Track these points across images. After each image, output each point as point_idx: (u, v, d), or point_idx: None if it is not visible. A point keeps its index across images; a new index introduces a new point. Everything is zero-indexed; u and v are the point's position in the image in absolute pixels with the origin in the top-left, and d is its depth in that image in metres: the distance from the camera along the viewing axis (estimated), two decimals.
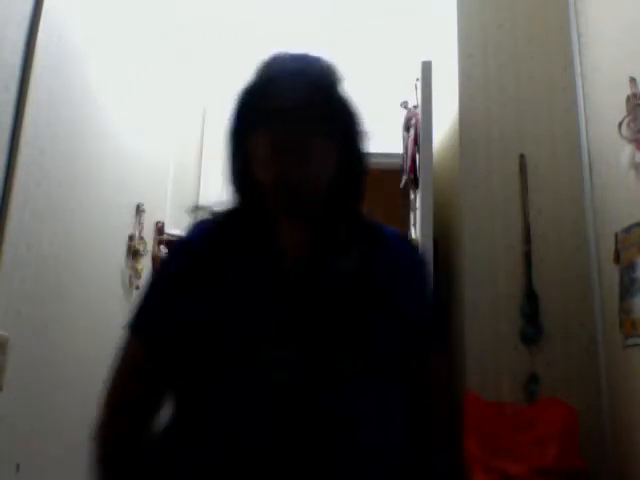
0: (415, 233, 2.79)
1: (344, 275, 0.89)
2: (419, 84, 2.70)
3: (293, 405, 0.81)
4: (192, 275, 0.91)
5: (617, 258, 2.25)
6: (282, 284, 0.89)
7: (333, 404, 0.82)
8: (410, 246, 1.03)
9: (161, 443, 0.90)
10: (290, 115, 0.88)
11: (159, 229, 3.03)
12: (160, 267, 0.99)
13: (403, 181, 2.99)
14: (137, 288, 2.64)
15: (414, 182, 2.81)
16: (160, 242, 3.02)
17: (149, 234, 2.85)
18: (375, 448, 0.84)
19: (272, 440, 0.81)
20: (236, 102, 0.96)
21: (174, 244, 1.00)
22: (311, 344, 0.84)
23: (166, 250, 3.00)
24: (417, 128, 2.74)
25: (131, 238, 2.58)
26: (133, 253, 2.59)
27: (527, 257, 2.54)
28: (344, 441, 0.81)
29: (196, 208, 1.00)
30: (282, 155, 0.87)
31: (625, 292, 2.18)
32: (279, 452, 0.80)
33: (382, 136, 3.49)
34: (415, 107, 2.86)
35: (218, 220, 0.97)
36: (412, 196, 2.95)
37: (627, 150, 2.13)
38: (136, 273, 2.62)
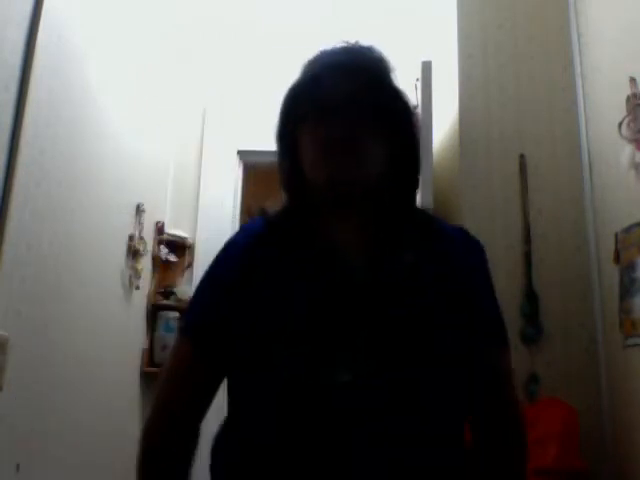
0: None
1: (400, 271, 0.86)
2: (419, 84, 2.70)
3: (304, 406, 0.79)
4: (243, 276, 0.88)
5: (617, 258, 2.25)
6: (338, 283, 0.85)
7: (351, 399, 0.79)
8: (473, 240, 0.97)
9: (214, 450, 0.89)
10: (342, 111, 0.85)
11: (159, 229, 3.03)
12: (211, 268, 0.95)
13: None
14: (137, 288, 2.64)
15: None
16: (160, 242, 3.02)
17: (149, 234, 2.86)
18: (392, 447, 0.79)
19: (290, 440, 0.80)
20: (285, 100, 0.93)
21: (225, 244, 0.95)
22: (371, 343, 0.82)
23: (166, 251, 3.01)
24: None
25: (131, 238, 2.58)
26: (133, 253, 2.59)
27: (527, 257, 2.54)
28: (353, 435, 0.78)
29: (258, 211, 0.97)
30: (335, 153, 0.84)
31: (625, 292, 2.17)
32: (291, 452, 0.79)
33: None
34: (415, 107, 2.86)
35: (270, 220, 0.94)
36: None
37: (627, 150, 2.13)
38: (136, 273, 2.62)
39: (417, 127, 0.94)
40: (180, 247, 3.12)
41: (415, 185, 0.95)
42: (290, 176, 0.93)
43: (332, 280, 0.85)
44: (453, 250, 0.92)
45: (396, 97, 0.92)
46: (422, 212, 0.97)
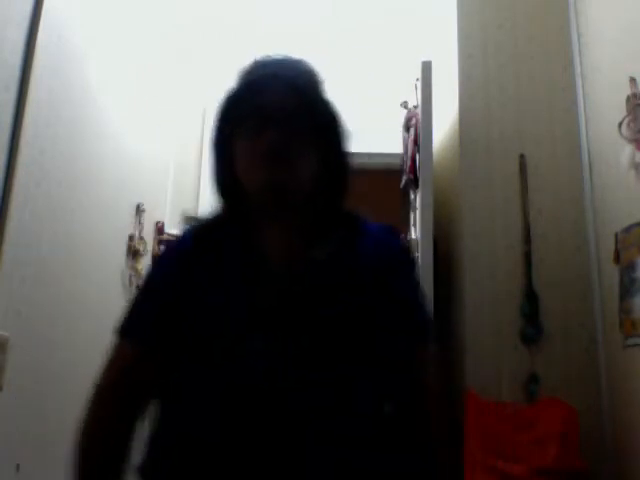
0: (415, 233, 2.79)
1: (322, 265, 0.91)
2: (419, 84, 2.70)
3: (254, 401, 0.83)
4: (178, 279, 0.93)
5: (617, 258, 2.25)
6: (264, 283, 0.90)
7: (292, 399, 0.83)
8: (396, 240, 1.01)
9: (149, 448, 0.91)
10: (277, 121, 0.90)
11: (159, 229, 3.03)
12: (149, 272, 1.02)
13: (403, 181, 2.99)
14: (137, 288, 2.64)
15: (414, 182, 2.81)
16: (160, 242, 3.02)
17: (149, 234, 2.85)
18: (337, 441, 0.83)
19: (231, 436, 0.82)
20: (220, 108, 0.98)
21: (163, 250, 1.03)
22: (289, 338, 0.86)
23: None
24: (417, 128, 2.74)
25: (131, 238, 2.58)
26: (133, 253, 2.59)
27: (527, 257, 2.54)
28: (301, 433, 0.82)
29: (188, 218, 1.02)
30: (268, 161, 0.89)
31: (625, 292, 2.17)
32: (236, 447, 0.81)
33: (382, 136, 3.51)
34: (415, 107, 2.86)
35: (204, 225, 1.00)
36: (412, 196, 2.95)
37: (627, 150, 2.13)
38: (136, 273, 2.62)
39: (347, 137, 0.99)
40: None
41: (344, 190, 1.00)
42: (224, 181, 0.98)
43: (261, 283, 0.90)
44: (376, 250, 0.96)
45: (327, 108, 0.98)
46: (348, 214, 1.01)
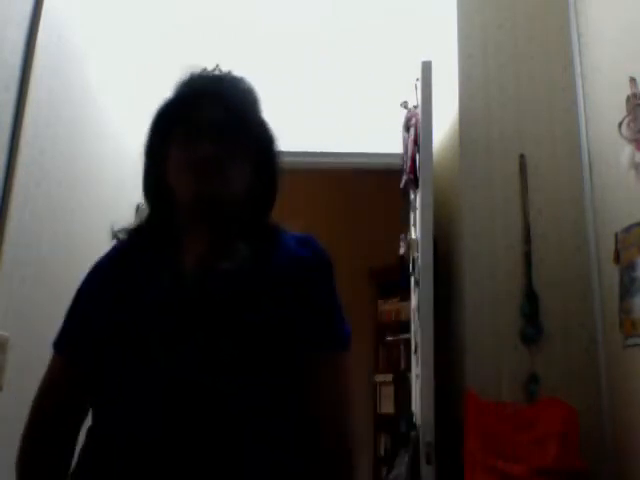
0: (415, 233, 2.79)
1: (229, 274, 0.93)
2: (419, 84, 2.70)
3: (187, 400, 0.85)
4: (102, 289, 0.98)
5: (617, 258, 2.25)
6: (177, 288, 0.93)
7: (223, 399, 0.85)
8: (312, 248, 1.01)
9: (79, 456, 0.93)
10: (209, 135, 0.93)
11: None
12: (79, 286, 1.05)
13: (403, 181, 2.99)
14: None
15: (414, 182, 2.81)
16: None
17: None
18: (264, 440, 0.86)
19: (169, 434, 0.84)
20: (156, 118, 1.01)
21: (94, 262, 1.06)
22: (199, 343, 0.88)
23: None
24: (417, 128, 2.73)
25: None
26: None
27: (527, 257, 2.54)
28: (237, 434, 0.84)
29: (116, 232, 1.08)
30: (201, 172, 0.92)
31: (625, 292, 2.18)
32: (176, 445, 0.83)
33: (382, 136, 3.50)
34: (415, 107, 2.86)
35: (130, 235, 1.05)
36: (412, 196, 2.95)
37: (627, 150, 2.13)
38: None
39: (277, 154, 1.03)
40: None
41: (270, 204, 1.04)
42: (155, 190, 1.02)
43: (171, 286, 0.93)
44: (289, 261, 0.98)
45: (260, 126, 1.02)
46: (268, 227, 1.03)
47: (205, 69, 1.03)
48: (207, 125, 0.94)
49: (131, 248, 1.02)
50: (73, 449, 0.96)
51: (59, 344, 1.01)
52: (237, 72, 1.05)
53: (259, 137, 1.00)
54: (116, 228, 1.08)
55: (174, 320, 0.90)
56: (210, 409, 0.85)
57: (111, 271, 1.00)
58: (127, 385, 0.89)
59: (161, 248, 0.99)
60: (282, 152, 1.04)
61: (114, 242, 1.08)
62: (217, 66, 1.05)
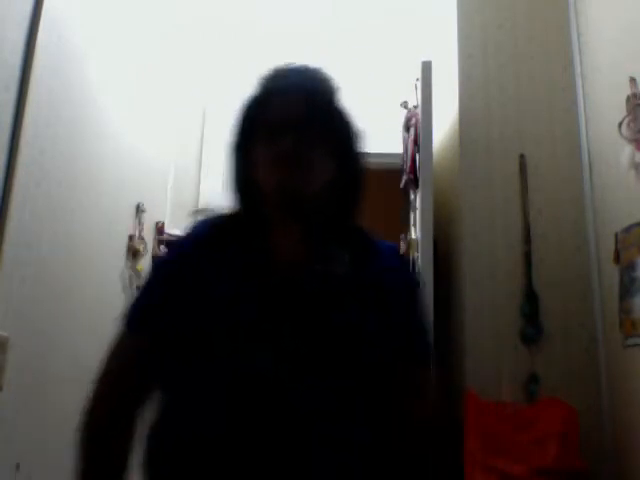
0: (415, 233, 2.79)
1: (325, 276, 0.94)
2: (419, 84, 2.70)
3: (258, 398, 0.85)
4: (185, 275, 0.96)
5: (617, 258, 2.25)
6: (267, 284, 0.93)
7: (297, 399, 0.85)
8: (404, 265, 1.06)
9: (146, 434, 0.93)
10: (291, 128, 0.95)
11: (159, 229, 3.02)
12: (156, 266, 1.05)
13: (403, 181, 2.99)
14: (137, 288, 2.64)
15: (414, 182, 2.81)
16: (160, 242, 3.01)
17: (149, 234, 2.85)
18: (335, 444, 0.86)
19: (234, 431, 0.84)
20: (239, 114, 1.03)
21: (172, 244, 1.04)
22: (283, 342, 0.88)
23: (166, 250, 3.01)
24: (417, 128, 2.74)
25: (131, 238, 2.58)
26: (133, 253, 2.59)
27: (527, 257, 2.54)
28: (306, 435, 0.84)
29: (197, 211, 1.06)
30: (283, 166, 0.94)
31: (625, 292, 2.18)
32: (240, 443, 0.83)
33: (382, 136, 3.51)
34: (415, 107, 2.86)
35: (216, 222, 1.03)
36: (412, 196, 2.95)
37: (627, 150, 2.13)
38: (136, 273, 2.62)
39: (362, 146, 1.05)
40: None
41: (356, 202, 1.05)
42: (241, 184, 1.03)
43: (259, 280, 0.93)
44: (385, 272, 0.99)
45: (341, 116, 1.02)
46: (359, 230, 1.05)
47: (285, 63, 1.04)
48: (287, 120, 0.96)
49: (216, 237, 1.00)
50: (134, 430, 0.95)
51: (132, 320, 0.98)
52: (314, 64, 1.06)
53: (340, 129, 1.01)
54: (205, 209, 1.07)
55: (257, 314, 0.90)
56: (279, 408, 0.85)
57: (195, 258, 0.98)
58: (195, 378, 0.89)
59: (247, 242, 0.98)
60: (365, 140, 1.05)
61: (197, 222, 1.05)
62: (294, 61, 1.05)
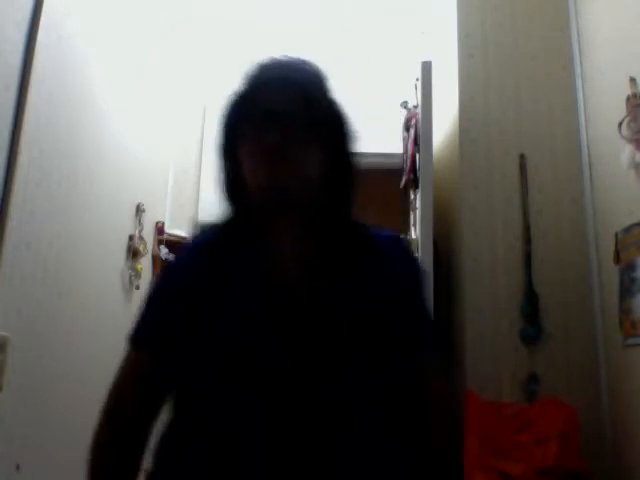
0: (415, 233, 2.79)
1: (332, 288, 0.91)
2: (419, 84, 2.70)
3: (288, 414, 0.83)
4: (189, 289, 0.93)
5: (617, 258, 2.25)
6: (271, 295, 0.90)
7: (325, 412, 0.84)
8: (406, 253, 1.01)
9: (160, 448, 0.91)
10: (277, 123, 0.90)
11: (159, 229, 3.03)
12: (160, 280, 1.00)
13: (403, 181, 2.99)
14: (137, 288, 2.64)
15: (414, 182, 2.81)
16: (160, 242, 3.02)
17: (149, 234, 2.86)
18: (370, 456, 0.85)
19: (268, 435, 0.83)
20: (224, 111, 0.98)
21: (173, 258, 1.02)
22: (295, 355, 0.86)
23: (166, 251, 3.01)
24: (417, 128, 2.74)
25: (131, 238, 2.58)
26: (133, 253, 2.59)
27: (527, 257, 2.54)
28: (337, 446, 0.83)
29: (197, 224, 1.02)
30: (269, 161, 0.89)
31: (625, 292, 2.17)
32: (277, 463, 0.81)
33: (382, 136, 3.51)
34: (415, 107, 2.86)
35: (213, 233, 0.99)
36: (412, 196, 2.95)
37: (627, 150, 2.13)
38: (136, 273, 2.62)
39: (353, 137, 0.98)
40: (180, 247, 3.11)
41: (350, 195, 0.99)
42: (232, 186, 0.98)
43: (262, 292, 0.90)
44: (382, 262, 0.96)
45: (331, 109, 0.97)
46: (358, 226, 1.00)
47: (271, 56, 1.00)
48: (272, 114, 0.90)
49: (213, 246, 0.97)
50: (145, 448, 0.94)
51: (138, 337, 0.96)
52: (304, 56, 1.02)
53: (328, 120, 0.95)
54: (200, 224, 1.03)
55: (263, 325, 0.88)
56: (308, 421, 0.84)
57: (194, 269, 0.95)
58: (217, 397, 0.87)
59: (245, 247, 0.95)
60: (357, 132, 0.99)
61: (196, 235, 1.03)
62: (280, 53, 1.01)
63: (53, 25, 1.71)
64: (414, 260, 1.02)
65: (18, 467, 1.55)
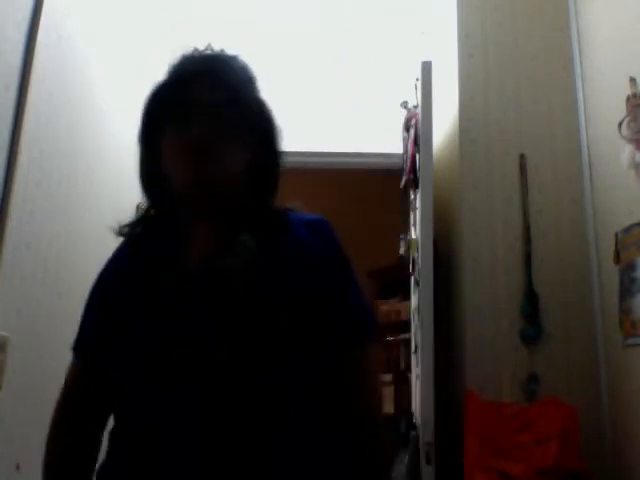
0: (415, 233, 2.79)
1: (238, 270, 0.89)
2: (419, 84, 2.70)
3: (224, 403, 0.83)
4: (114, 290, 0.95)
5: (617, 258, 2.25)
6: (185, 287, 0.90)
7: (259, 385, 0.84)
8: (318, 235, 0.97)
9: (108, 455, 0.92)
10: (201, 116, 0.88)
11: None
12: (92, 287, 1.01)
13: (403, 181, 2.99)
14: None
15: (414, 182, 2.81)
16: None
17: None
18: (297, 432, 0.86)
19: (209, 447, 0.82)
20: (147, 104, 0.96)
21: (104, 264, 1.02)
22: (231, 344, 0.86)
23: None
24: (417, 128, 2.74)
25: None
26: None
27: (527, 257, 2.55)
28: (274, 434, 0.83)
29: (118, 227, 1.01)
30: (194, 156, 0.87)
31: (625, 292, 2.18)
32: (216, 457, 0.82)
33: (382, 136, 3.50)
34: (415, 107, 2.86)
35: (135, 232, 1.00)
36: (412, 196, 2.95)
37: (627, 150, 2.13)
38: None
39: (278, 134, 0.97)
40: None
41: (273, 188, 0.98)
42: (152, 180, 0.97)
43: (179, 285, 0.90)
44: (299, 249, 0.94)
45: (257, 105, 0.96)
46: (275, 212, 0.98)
47: (196, 49, 0.99)
48: (198, 106, 0.88)
49: (136, 245, 0.98)
50: (97, 453, 0.95)
51: (75, 346, 0.98)
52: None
53: (254, 115, 0.94)
54: (119, 224, 1.02)
55: (188, 325, 0.87)
56: (249, 397, 0.84)
57: (118, 269, 0.97)
58: (152, 397, 0.87)
59: (164, 244, 0.95)
60: (282, 130, 0.98)
61: (120, 239, 1.03)
62: (209, 45, 1.00)
63: (53, 25, 1.71)
64: (330, 243, 0.98)
65: (18, 467, 1.55)
